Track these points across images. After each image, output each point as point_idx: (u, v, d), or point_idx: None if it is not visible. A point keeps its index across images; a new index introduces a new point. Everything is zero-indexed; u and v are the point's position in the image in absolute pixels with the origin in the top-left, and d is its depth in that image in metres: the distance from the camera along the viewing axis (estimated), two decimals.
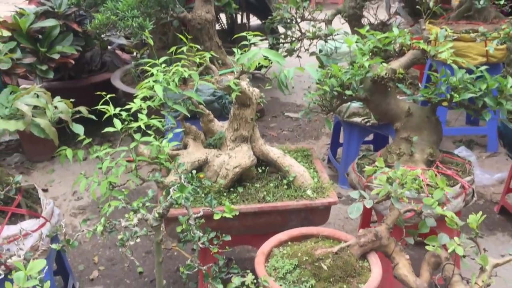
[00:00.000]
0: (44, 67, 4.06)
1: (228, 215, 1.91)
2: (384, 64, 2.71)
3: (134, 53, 5.45)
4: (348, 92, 2.69)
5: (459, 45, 4.14)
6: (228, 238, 1.91)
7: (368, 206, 2.09)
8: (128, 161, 2.41)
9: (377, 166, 2.23)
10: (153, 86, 2.41)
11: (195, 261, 1.96)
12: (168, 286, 3.08)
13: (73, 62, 4.33)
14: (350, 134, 3.93)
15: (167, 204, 1.89)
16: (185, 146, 2.71)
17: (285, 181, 2.64)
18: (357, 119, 3.78)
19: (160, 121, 2.37)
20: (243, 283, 1.71)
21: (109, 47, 5.39)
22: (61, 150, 2.42)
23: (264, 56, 2.36)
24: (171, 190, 1.85)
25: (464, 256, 2.04)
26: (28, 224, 2.50)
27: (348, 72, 2.71)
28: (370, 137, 4.41)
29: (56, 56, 4.13)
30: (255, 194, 2.57)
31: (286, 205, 2.50)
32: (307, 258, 2.03)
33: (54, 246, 2.11)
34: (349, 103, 3.74)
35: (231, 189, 2.60)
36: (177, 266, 3.24)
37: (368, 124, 3.76)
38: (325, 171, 2.79)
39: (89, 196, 4.06)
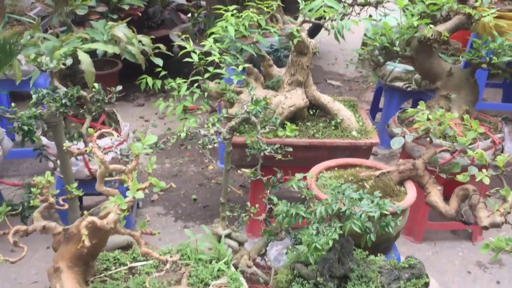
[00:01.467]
0: (114, 16, 4.46)
1: (289, 134, 2.26)
2: (431, 26, 3.00)
3: (190, 14, 5.81)
4: (395, 48, 2.99)
5: (503, 22, 4.35)
6: (290, 149, 2.26)
7: (410, 140, 2.41)
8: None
9: (418, 108, 2.54)
10: (226, 26, 2.76)
11: (258, 172, 2.34)
12: (219, 212, 3.48)
13: (139, 14, 4.72)
14: (390, 97, 4.22)
15: (240, 119, 2.25)
16: (246, 85, 3.06)
17: (333, 123, 2.97)
18: (399, 84, 4.06)
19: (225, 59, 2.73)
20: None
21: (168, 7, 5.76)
22: (142, 78, 2.81)
23: (327, 5, 2.68)
24: (244, 106, 2.20)
25: (489, 196, 2.35)
26: (110, 141, 2.90)
27: (397, 31, 3.01)
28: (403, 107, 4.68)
29: (126, 7, 4.52)
30: (306, 131, 2.91)
31: (333, 142, 2.85)
32: (352, 178, 2.38)
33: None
34: (392, 67, 4.03)
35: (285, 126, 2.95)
36: (228, 198, 3.63)
37: (408, 89, 4.04)
38: (369, 119, 3.12)
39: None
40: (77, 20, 4.40)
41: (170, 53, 3.04)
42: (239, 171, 4.04)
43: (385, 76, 4.14)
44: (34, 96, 2.21)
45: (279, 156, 2.17)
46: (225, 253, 2.10)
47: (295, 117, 3.00)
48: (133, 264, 2.09)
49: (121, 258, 2.11)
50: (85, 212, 1.74)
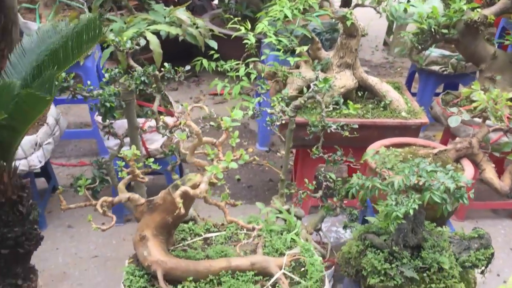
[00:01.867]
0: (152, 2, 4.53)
1: (352, 112, 2.34)
2: (478, 10, 3.06)
3: (221, 0, 5.87)
4: (444, 31, 3.06)
5: None
6: (356, 126, 2.35)
7: (467, 119, 2.48)
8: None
9: (472, 89, 2.61)
10: (281, 9, 2.84)
11: (319, 150, 2.42)
12: (263, 192, 3.59)
13: (175, 0, 4.79)
14: (426, 81, 4.29)
15: (307, 98, 2.33)
16: (297, 67, 3.14)
17: (381, 104, 3.05)
18: (435, 67, 4.13)
19: (282, 41, 2.81)
20: None
21: None
22: (197, 60, 2.89)
23: None
24: (311, 84, 2.29)
25: None
26: (167, 120, 2.99)
27: (444, 15, 3.08)
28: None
29: None
30: (355, 112, 2.99)
31: (384, 122, 2.93)
32: (411, 155, 2.46)
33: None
34: (429, 51, 4.09)
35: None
36: (269, 177, 3.73)
37: (444, 72, 4.11)
38: (415, 100, 3.19)
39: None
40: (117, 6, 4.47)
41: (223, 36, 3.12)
42: (278, 153, 4.17)
43: (420, 61, 4.20)
44: (106, 75, 2.30)
45: (346, 133, 2.26)
46: (295, 225, 2.19)
47: (344, 98, 3.07)
48: (208, 235, 2.19)
49: (195, 229, 2.21)
50: (178, 182, 1.83)
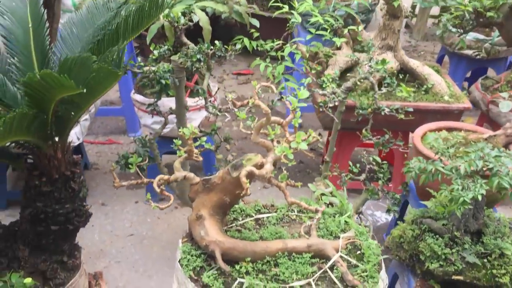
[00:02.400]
0: None
1: (405, 94, 2.30)
2: None
3: None
4: (489, 14, 3.00)
5: None
6: (410, 109, 2.31)
7: None
8: None
9: None
10: None
11: (369, 133, 2.39)
12: (294, 174, 3.57)
13: None
14: (456, 66, 4.24)
15: (358, 79, 2.29)
16: (337, 48, 3.09)
17: (423, 88, 3.01)
18: (468, 52, 4.07)
19: (328, 21, 2.75)
20: None
21: None
22: (238, 39, 2.83)
23: None
24: (366, 66, 2.24)
25: None
26: (203, 101, 2.96)
27: None
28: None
29: None
30: (396, 96, 2.94)
31: (427, 106, 2.89)
32: (461, 140, 2.43)
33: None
34: (463, 35, 4.03)
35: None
36: (299, 159, 3.71)
37: (477, 57, 4.05)
38: (455, 84, 3.15)
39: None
40: None
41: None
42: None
43: (453, 45, 4.14)
44: (155, 52, 2.25)
45: (401, 116, 2.22)
46: (348, 208, 2.17)
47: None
48: (259, 216, 2.17)
49: (246, 210, 2.19)
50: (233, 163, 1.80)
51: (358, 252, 1.97)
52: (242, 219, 2.15)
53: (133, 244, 2.92)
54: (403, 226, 2.14)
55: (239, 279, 1.84)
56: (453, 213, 1.96)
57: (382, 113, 2.28)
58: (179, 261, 1.94)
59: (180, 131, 1.92)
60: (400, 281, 2.22)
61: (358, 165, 2.52)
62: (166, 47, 2.24)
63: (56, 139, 1.93)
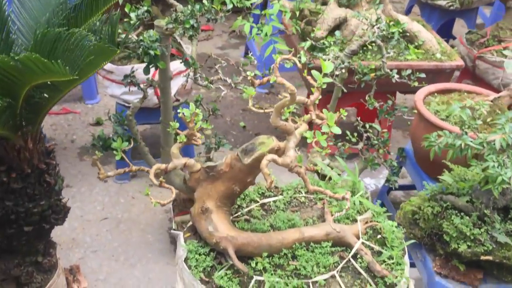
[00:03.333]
0: None
1: (414, 56, 2.09)
2: None
3: None
4: None
5: None
6: (423, 75, 2.12)
7: None
8: None
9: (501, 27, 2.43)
10: None
11: (373, 100, 2.19)
12: None
13: None
14: (429, 17, 4.07)
15: (365, 41, 2.06)
16: (323, 3, 2.82)
17: (413, 45, 2.82)
18: (441, 2, 3.91)
19: None
20: None
21: None
22: None
23: None
24: (375, 28, 2.01)
25: None
26: (179, 65, 2.63)
27: None
28: None
29: None
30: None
31: (419, 65, 2.71)
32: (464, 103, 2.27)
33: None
34: None
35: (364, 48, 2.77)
36: None
37: (451, 7, 3.90)
38: (444, 41, 2.99)
39: None
40: None
41: None
42: (279, 95, 3.89)
43: None
44: (132, 15, 1.90)
45: (415, 83, 2.02)
46: (360, 186, 1.99)
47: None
48: (264, 200, 1.95)
49: (249, 194, 1.96)
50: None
51: (379, 236, 1.81)
52: (247, 206, 1.92)
53: (108, 230, 2.63)
54: (417, 202, 1.99)
55: (255, 277, 1.64)
56: (476, 188, 1.83)
57: (393, 80, 2.08)
58: (184, 261, 1.70)
59: (179, 113, 1.64)
60: (413, 257, 2.09)
61: (355, 134, 2.34)
62: (144, 8, 1.89)
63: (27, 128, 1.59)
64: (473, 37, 3.17)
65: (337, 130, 1.43)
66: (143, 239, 2.57)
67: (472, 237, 1.75)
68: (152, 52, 1.68)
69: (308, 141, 1.46)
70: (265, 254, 1.67)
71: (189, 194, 1.80)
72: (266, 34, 2.37)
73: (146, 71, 1.78)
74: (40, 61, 1.06)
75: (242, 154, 1.64)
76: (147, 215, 2.70)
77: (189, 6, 1.78)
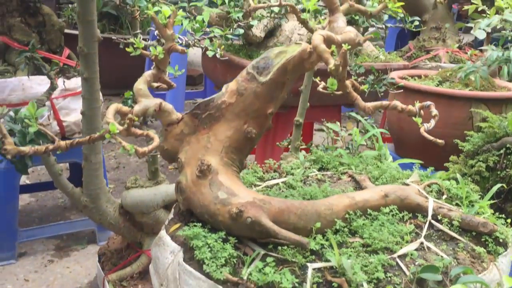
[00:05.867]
0: None
1: None
2: None
3: None
4: None
5: None
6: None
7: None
8: None
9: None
10: None
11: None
12: None
13: None
14: None
15: None
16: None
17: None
18: None
19: None
20: None
21: None
22: None
23: None
24: None
25: None
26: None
27: None
28: None
29: None
30: None
31: (369, 66, 2.40)
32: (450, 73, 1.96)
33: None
34: None
35: None
36: None
37: None
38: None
39: None
40: None
41: None
42: None
43: None
44: None
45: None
46: (387, 152, 1.46)
47: None
48: (270, 182, 1.30)
49: (246, 177, 1.30)
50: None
51: (444, 197, 1.26)
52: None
53: None
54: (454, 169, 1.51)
55: (311, 264, 0.96)
56: None
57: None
58: (189, 259, 0.96)
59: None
60: None
61: None
62: None
63: None
64: (398, 54, 3.03)
65: None
66: None
67: None
68: None
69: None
70: (318, 225, 1.02)
71: (169, 160, 1.11)
72: None
73: None
74: None
75: (254, 70, 1.05)
76: None
77: None
